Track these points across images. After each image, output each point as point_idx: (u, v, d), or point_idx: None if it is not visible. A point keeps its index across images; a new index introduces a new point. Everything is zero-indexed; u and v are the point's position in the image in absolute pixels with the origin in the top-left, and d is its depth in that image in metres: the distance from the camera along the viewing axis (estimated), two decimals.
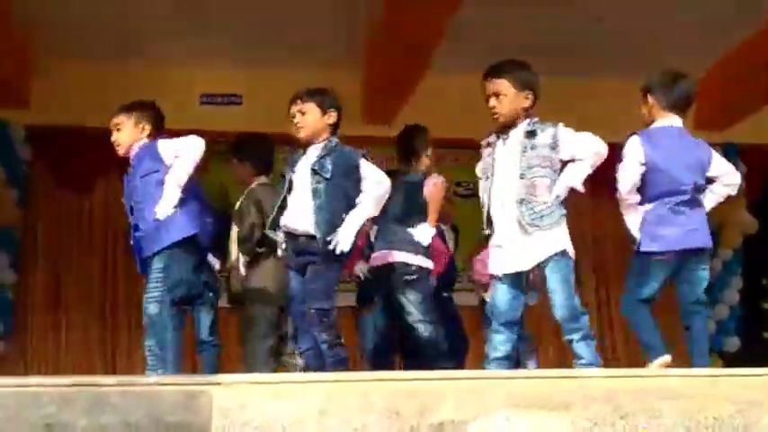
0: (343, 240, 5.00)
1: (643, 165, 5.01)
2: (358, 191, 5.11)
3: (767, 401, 3.64)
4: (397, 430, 3.39)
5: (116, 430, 3.27)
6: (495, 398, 3.56)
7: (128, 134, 5.42)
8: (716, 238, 5.60)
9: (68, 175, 8.39)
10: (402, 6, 7.44)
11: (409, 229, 6.02)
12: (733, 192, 5.32)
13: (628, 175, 5.03)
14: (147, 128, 5.42)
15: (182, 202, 5.17)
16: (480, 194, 4.99)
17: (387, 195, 5.27)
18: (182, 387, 3.51)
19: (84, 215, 7.48)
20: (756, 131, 8.90)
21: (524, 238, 4.69)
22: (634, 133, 5.14)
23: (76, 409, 3.35)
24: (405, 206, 6.08)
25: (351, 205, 5.09)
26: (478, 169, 5.05)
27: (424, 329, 5.88)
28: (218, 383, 3.49)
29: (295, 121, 5.19)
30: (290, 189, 5.19)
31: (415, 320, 5.90)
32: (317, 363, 5.01)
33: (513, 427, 3.47)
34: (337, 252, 4.99)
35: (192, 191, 5.31)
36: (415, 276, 5.95)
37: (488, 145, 4.97)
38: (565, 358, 5.39)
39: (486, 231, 4.93)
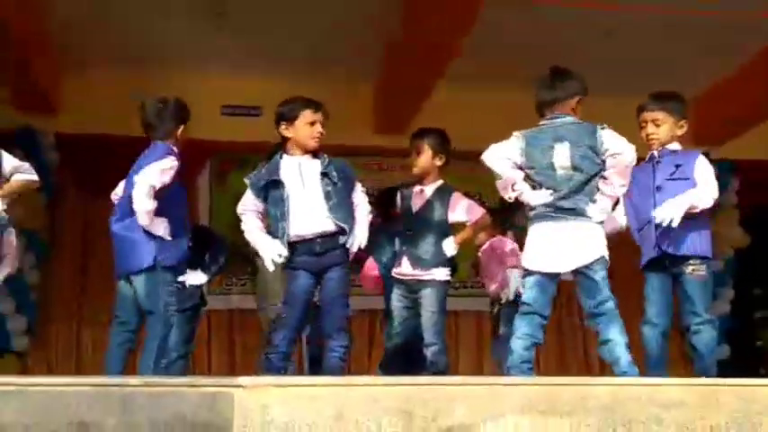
0: (361, 236, 5.08)
1: None
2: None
3: (764, 410, 3.66)
4: (410, 428, 3.40)
5: (144, 429, 3.29)
6: (504, 403, 3.57)
7: None
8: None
9: (94, 181, 8.40)
10: (417, 24, 7.48)
11: None
12: None
13: None
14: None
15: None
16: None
17: None
18: (205, 389, 3.53)
19: (107, 220, 7.43)
20: (751, 148, 8.88)
21: None
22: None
23: (105, 408, 3.36)
24: None
25: (352, 209, 5.15)
26: None
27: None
28: (240, 386, 3.51)
29: (320, 131, 5.15)
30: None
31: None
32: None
33: (519, 430, 3.49)
34: (355, 248, 5.06)
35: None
36: None
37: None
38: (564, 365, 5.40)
39: None
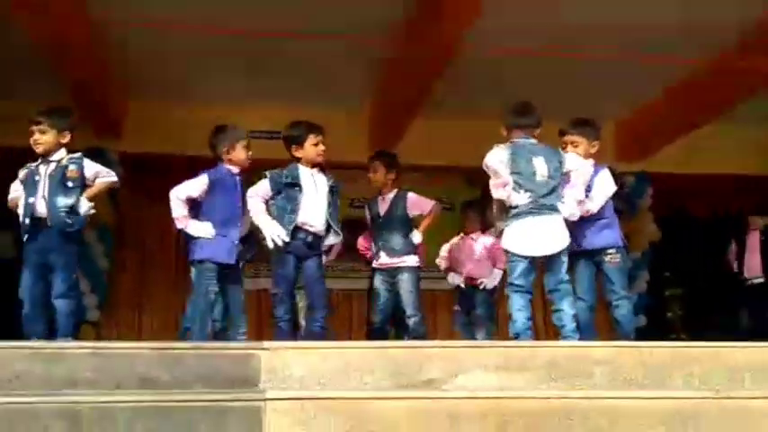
0: (340, 237, 5.30)
1: None
2: None
3: (672, 366, 3.67)
4: (400, 384, 3.41)
5: (190, 382, 3.30)
6: (471, 361, 3.59)
7: None
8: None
9: (149, 190, 8.43)
10: (399, 73, 7.50)
11: None
12: None
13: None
14: None
15: None
16: None
17: None
18: (239, 351, 3.55)
19: (161, 218, 7.45)
20: (664, 163, 8.88)
21: None
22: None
23: (161, 366, 3.39)
24: None
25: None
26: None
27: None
28: (266, 348, 3.52)
29: (322, 149, 5.27)
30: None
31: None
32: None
33: (483, 382, 3.50)
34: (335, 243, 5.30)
35: None
36: None
37: None
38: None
39: None
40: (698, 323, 9.06)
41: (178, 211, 5.07)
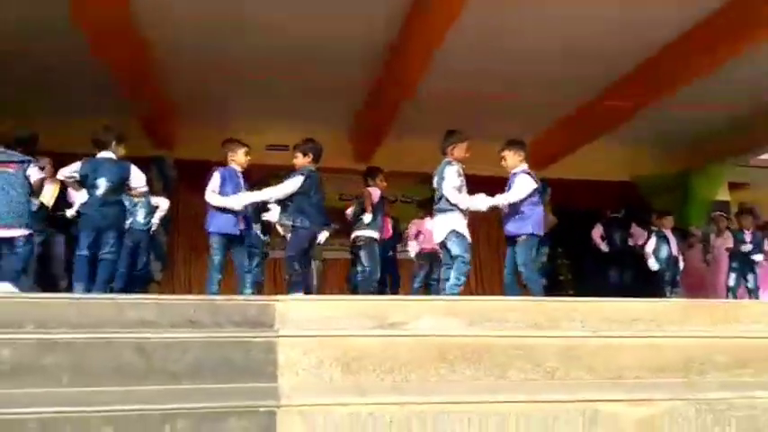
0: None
1: None
2: None
3: (563, 316, 3.69)
4: (373, 325, 3.40)
5: (226, 325, 3.27)
6: (423, 309, 3.59)
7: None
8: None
9: (194, 185, 8.32)
10: (377, 98, 7.46)
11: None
12: None
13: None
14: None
15: None
16: None
17: None
18: (259, 302, 3.52)
19: (201, 207, 7.37)
20: (558, 171, 8.92)
21: None
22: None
23: (204, 312, 3.35)
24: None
25: None
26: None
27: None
28: (279, 300, 3.50)
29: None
30: None
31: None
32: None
33: (433, 326, 3.49)
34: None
35: None
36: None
37: None
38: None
39: None
40: (580, 284, 9.19)
41: (215, 199, 5.00)
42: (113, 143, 4.82)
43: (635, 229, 8.27)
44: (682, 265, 7.89)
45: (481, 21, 5.84)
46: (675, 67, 6.60)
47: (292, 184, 4.90)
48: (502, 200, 4.82)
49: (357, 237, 5.90)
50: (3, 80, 6.74)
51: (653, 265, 7.76)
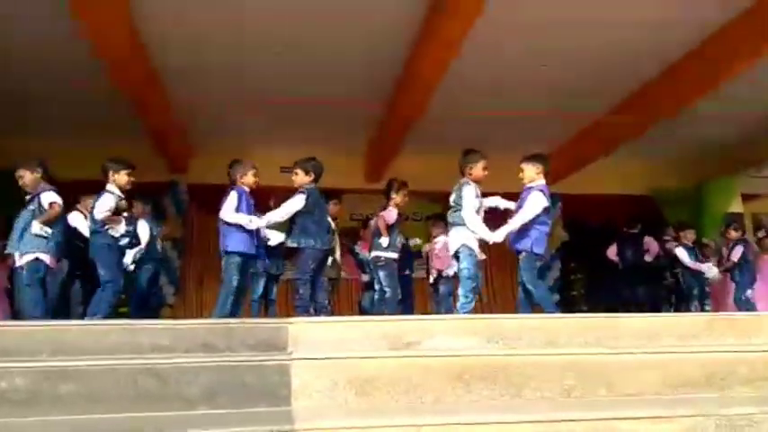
0: None
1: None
2: None
3: (579, 333, 3.61)
4: (387, 346, 3.38)
5: (239, 348, 3.26)
6: (437, 328, 3.56)
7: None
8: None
9: (209, 209, 8.35)
10: (387, 120, 7.49)
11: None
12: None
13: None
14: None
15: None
16: None
17: None
18: (272, 324, 3.50)
19: (215, 230, 7.47)
20: (569, 186, 8.88)
21: None
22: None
23: (217, 336, 3.34)
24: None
25: None
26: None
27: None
28: (291, 323, 3.47)
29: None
30: None
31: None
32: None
33: (447, 345, 3.45)
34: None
35: None
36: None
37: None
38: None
39: None
40: (593, 299, 9.09)
41: (233, 216, 4.92)
42: (108, 174, 4.92)
43: (650, 243, 8.16)
44: None
45: (491, 36, 5.83)
46: (691, 79, 6.56)
47: (296, 203, 4.86)
48: (514, 226, 4.71)
49: (377, 257, 5.66)
50: (26, 106, 6.86)
51: (712, 273, 7.62)
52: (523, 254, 4.68)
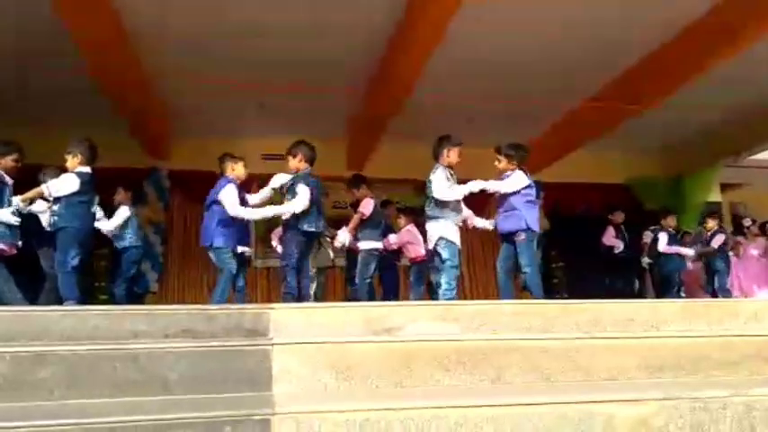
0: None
1: None
2: None
3: (558, 318, 3.66)
4: (369, 330, 3.38)
5: (220, 332, 3.24)
6: (419, 314, 3.57)
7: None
8: None
9: (189, 196, 8.31)
10: (367, 109, 7.46)
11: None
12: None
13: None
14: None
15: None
16: None
17: None
18: (254, 310, 3.49)
19: (197, 217, 7.37)
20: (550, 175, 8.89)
21: None
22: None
23: (197, 321, 3.31)
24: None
25: None
26: None
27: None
28: (273, 308, 3.47)
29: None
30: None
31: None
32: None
33: (427, 331, 3.47)
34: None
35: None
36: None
37: None
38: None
39: None
40: (574, 287, 9.16)
41: (242, 211, 4.97)
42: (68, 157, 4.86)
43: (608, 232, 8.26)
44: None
45: (473, 27, 5.84)
46: (669, 69, 6.59)
47: (307, 195, 4.81)
48: (495, 186, 4.75)
49: (358, 246, 5.79)
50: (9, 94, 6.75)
51: (691, 252, 7.77)
52: (521, 234, 4.69)
